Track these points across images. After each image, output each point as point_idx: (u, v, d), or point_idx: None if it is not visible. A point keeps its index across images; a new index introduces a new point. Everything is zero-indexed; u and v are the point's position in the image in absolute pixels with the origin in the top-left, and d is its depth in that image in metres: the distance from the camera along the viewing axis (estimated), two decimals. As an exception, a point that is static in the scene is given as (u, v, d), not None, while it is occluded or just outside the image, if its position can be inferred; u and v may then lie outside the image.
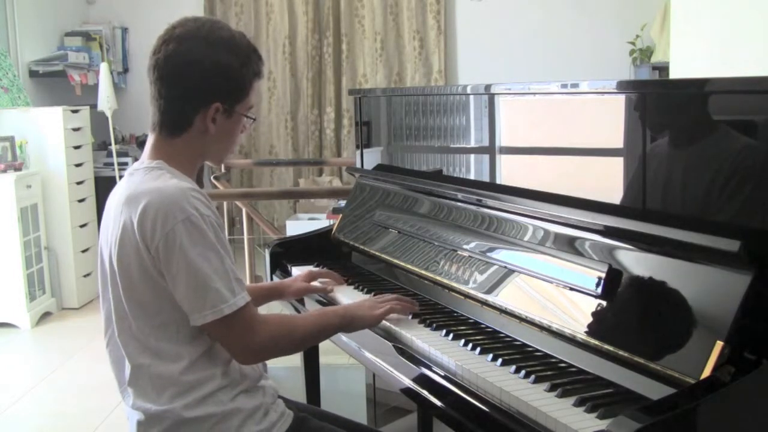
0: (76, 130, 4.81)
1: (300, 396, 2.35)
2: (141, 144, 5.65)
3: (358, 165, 2.54)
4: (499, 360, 1.45)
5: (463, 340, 1.58)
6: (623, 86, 1.54)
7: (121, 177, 1.53)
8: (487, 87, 1.89)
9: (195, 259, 1.36)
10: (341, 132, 5.99)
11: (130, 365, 1.44)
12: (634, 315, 1.33)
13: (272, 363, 3.19)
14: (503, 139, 1.88)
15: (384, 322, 1.73)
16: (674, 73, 3.05)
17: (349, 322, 1.64)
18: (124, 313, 1.43)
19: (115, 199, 1.46)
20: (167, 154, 1.47)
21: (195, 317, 1.38)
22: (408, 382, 1.53)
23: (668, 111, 1.42)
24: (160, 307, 1.41)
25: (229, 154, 1.59)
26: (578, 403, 1.24)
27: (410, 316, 1.75)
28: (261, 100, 5.93)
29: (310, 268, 2.25)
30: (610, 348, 1.31)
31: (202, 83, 1.45)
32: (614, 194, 1.50)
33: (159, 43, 1.46)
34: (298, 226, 4.32)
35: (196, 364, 1.42)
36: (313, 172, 5.95)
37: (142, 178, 1.44)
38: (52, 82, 5.35)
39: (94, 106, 5.06)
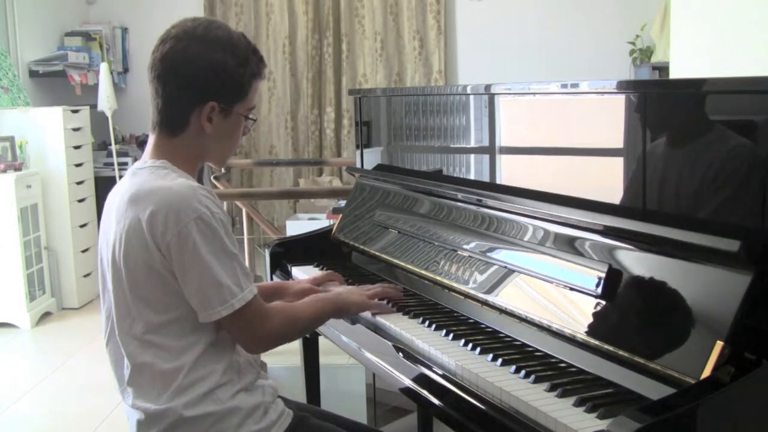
0: (76, 130, 4.81)
1: (300, 396, 2.35)
2: (141, 144, 5.65)
3: (358, 165, 2.54)
4: (499, 360, 1.45)
5: (463, 340, 1.58)
6: (623, 86, 1.54)
7: (121, 177, 1.53)
8: (487, 87, 1.89)
9: (206, 257, 1.37)
10: (341, 132, 5.99)
11: (129, 364, 1.44)
12: (634, 315, 1.33)
13: (272, 363, 3.20)
14: (503, 139, 1.88)
15: (385, 322, 1.73)
16: (674, 73, 3.05)
17: (341, 308, 1.70)
18: (126, 312, 1.43)
19: (118, 197, 1.46)
20: (169, 154, 1.48)
21: (207, 313, 1.40)
22: (408, 382, 1.53)
23: (668, 111, 1.42)
24: (167, 304, 1.42)
25: (230, 156, 1.60)
26: (578, 403, 1.24)
27: (406, 315, 1.76)
28: (260, 100, 5.93)
29: (311, 268, 2.25)
30: (610, 348, 1.31)
31: (197, 82, 1.45)
32: (614, 194, 1.50)
33: (157, 42, 1.48)
34: (298, 226, 4.32)
35: (198, 361, 1.43)
36: (313, 172, 5.95)
37: (147, 177, 1.44)
38: (52, 82, 5.35)
39: (94, 106, 5.06)
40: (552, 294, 1.49)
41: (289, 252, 2.36)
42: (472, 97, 2.00)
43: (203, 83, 1.45)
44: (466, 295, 1.73)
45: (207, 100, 1.46)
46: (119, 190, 1.48)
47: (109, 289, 1.47)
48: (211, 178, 4.09)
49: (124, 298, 1.43)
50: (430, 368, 1.49)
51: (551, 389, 1.30)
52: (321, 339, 2.26)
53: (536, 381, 1.34)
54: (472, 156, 2.02)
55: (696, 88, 1.38)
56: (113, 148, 5.11)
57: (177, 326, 1.42)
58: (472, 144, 2.00)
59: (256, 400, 1.48)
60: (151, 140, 1.51)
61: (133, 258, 1.40)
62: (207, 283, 1.38)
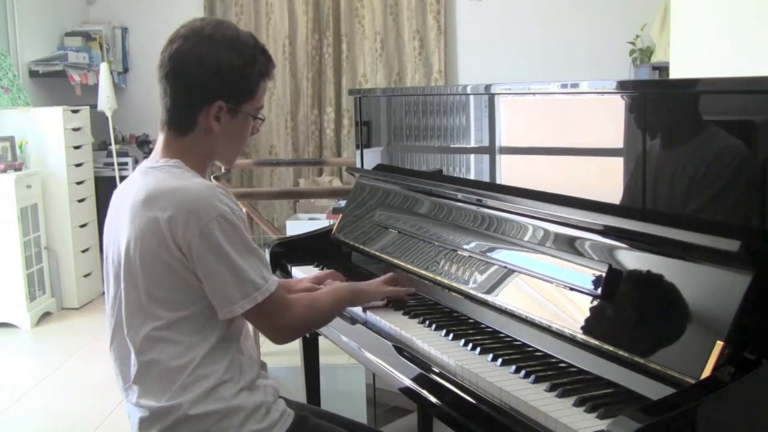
0: (76, 130, 4.81)
1: (300, 396, 2.35)
2: (141, 144, 5.65)
3: (358, 165, 2.54)
4: (499, 360, 1.45)
5: (463, 340, 1.58)
6: (623, 86, 1.54)
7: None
8: (487, 87, 1.89)
9: (231, 254, 1.40)
10: (341, 132, 5.99)
11: (137, 362, 1.45)
12: (634, 315, 1.33)
13: (272, 363, 3.20)
14: (503, 139, 1.88)
15: (385, 322, 1.73)
16: (674, 73, 3.05)
17: (358, 295, 1.78)
18: (138, 310, 1.44)
19: (131, 197, 1.46)
20: (180, 153, 1.49)
21: (229, 309, 1.42)
22: (408, 382, 1.53)
23: (668, 111, 1.42)
24: (182, 302, 1.43)
25: (238, 155, 1.61)
26: (578, 403, 1.24)
27: (406, 315, 1.76)
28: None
29: (311, 268, 2.25)
30: (610, 348, 1.31)
31: (204, 81, 1.46)
32: (614, 194, 1.50)
33: (166, 42, 1.49)
34: (298, 226, 4.32)
35: (206, 356, 1.44)
36: (313, 172, 5.94)
37: (162, 177, 1.44)
38: (52, 82, 5.35)
39: (94, 106, 5.06)
40: (552, 294, 1.49)
41: (289, 252, 2.36)
42: (472, 97, 2.00)
43: (210, 82, 1.46)
44: (466, 295, 1.73)
45: (214, 99, 1.46)
46: (130, 190, 1.48)
47: (120, 287, 1.47)
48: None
49: (137, 296, 1.43)
50: (429, 368, 1.49)
51: (551, 389, 1.30)
52: (321, 339, 2.26)
53: (536, 381, 1.34)
54: (472, 156, 2.02)
55: (696, 88, 1.38)
56: (113, 148, 5.10)
57: (191, 322, 1.44)
58: (472, 144, 2.00)
59: (259, 400, 1.48)
60: (161, 139, 1.52)
61: (150, 257, 1.41)
62: (231, 279, 1.40)
